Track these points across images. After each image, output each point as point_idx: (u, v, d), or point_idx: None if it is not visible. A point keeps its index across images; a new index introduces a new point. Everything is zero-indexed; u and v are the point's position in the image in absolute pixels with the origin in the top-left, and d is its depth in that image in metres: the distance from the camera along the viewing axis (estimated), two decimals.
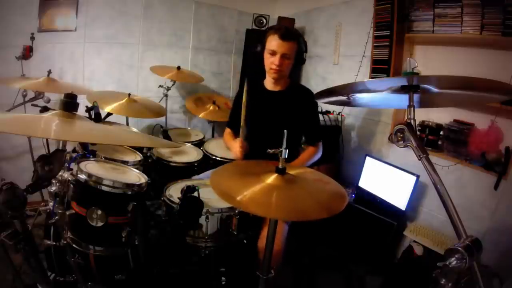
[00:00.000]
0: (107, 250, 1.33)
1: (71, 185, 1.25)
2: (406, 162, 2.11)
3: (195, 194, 1.30)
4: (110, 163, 1.56)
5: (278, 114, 1.73)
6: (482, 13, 1.77)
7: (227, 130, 2.01)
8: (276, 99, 1.75)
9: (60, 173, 1.20)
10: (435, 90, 0.89)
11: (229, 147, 1.91)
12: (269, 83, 1.77)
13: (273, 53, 1.61)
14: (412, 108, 0.87)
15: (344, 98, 1.03)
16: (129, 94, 2.22)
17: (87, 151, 1.55)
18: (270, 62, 1.63)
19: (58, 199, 1.23)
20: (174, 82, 2.77)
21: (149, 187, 1.43)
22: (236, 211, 1.41)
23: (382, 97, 1.02)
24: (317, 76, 3.06)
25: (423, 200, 2.18)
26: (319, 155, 1.79)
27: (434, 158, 2.00)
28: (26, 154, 2.36)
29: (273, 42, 1.59)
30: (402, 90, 0.89)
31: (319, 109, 2.49)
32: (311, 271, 2.15)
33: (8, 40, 2.33)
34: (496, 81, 0.77)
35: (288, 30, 1.62)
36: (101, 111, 1.88)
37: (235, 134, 1.97)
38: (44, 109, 1.75)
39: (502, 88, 0.86)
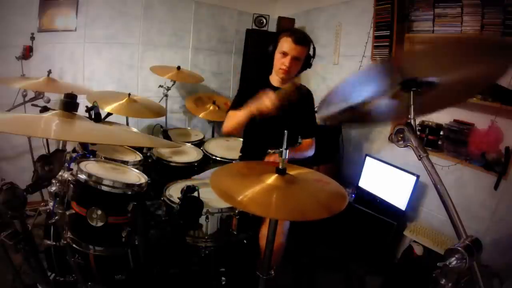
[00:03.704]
0: (107, 250, 1.33)
1: (71, 185, 1.25)
2: (406, 162, 2.11)
3: (195, 194, 1.30)
4: (110, 163, 1.56)
5: (280, 112, 1.73)
6: (482, 13, 1.77)
7: (231, 111, 1.80)
8: None
9: (60, 173, 1.20)
10: (435, 80, 0.87)
11: (243, 112, 1.61)
12: (275, 81, 1.80)
13: (284, 54, 1.66)
14: (412, 108, 0.87)
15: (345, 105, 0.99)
16: (129, 94, 2.22)
17: (87, 151, 1.55)
18: (281, 63, 1.67)
19: (58, 199, 1.23)
20: (174, 82, 2.76)
21: (149, 187, 1.43)
22: (236, 211, 1.41)
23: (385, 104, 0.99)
24: (317, 76, 3.06)
25: (423, 200, 2.18)
26: (312, 150, 1.80)
27: (434, 158, 1.99)
28: (26, 154, 2.36)
29: (286, 44, 1.64)
30: (402, 89, 0.88)
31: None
32: (311, 271, 2.15)
33: (8, 40, 2.33)
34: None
35: (302, 35, 1.67)
36: (101, 111, 1.88)
37: None
38: (44, 109, 1.74)
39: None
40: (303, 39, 1.65)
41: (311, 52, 1.74)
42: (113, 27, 2.73)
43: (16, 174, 2.29)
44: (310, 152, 1.80)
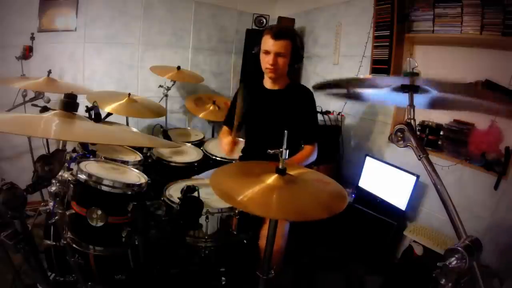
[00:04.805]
0: (107, 250, 1.33)
1: (71, 185, 1.25)
2: (406, 162, 2.11)
3: (195, 194, 1.30)
4: (110, 163, 1.56)
5: (277, 113, 1.73)
6: (482, 13, 1.77)
7: (224, 128, 2.01)
8: (275, 98, 1.76)
9: (60, 173, 1.20)
10: (435, 92, 0.88)
11: (220, 142, 1.87)
12: (268, 83, 1.79)
13: (267, 53, 1.63)
14: (412, 108, 0.87)
15: (345, 91, 1.02)
16: (129, 94, 2.22)
17: (87, 151, 1.55)
18: (265, 62, 1.65)
19: (58, 199, 1.23)
20: (174, 82, 2.77)
21: (149, 187, 1.43)
22: (236, 211, 1.41)
23: (384, 93, 1.02)
24: (317, 76, 3.06)
25: (423, 200, 2.18)
26: (314, 156, 1.76)
27: (434, 158, 1.99)
28: (26, 154, 2.36)
29: (266, 42, 1.62)
30: (402, 89, 0.89)
31: (319, 109, 2.49)
32: (311, 271, 2.15)
33: (8, 40, 2.33)
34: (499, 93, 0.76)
35: (280, 29, 1.63)
36: (101, 111, 1.88)
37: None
38: (44, 109, 1.75)
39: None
40: (282, 33, 1.61)
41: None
42: (113, 27, 2.74)
43: (16, 174, 2.28)
44: (312, 159, 1.75)
